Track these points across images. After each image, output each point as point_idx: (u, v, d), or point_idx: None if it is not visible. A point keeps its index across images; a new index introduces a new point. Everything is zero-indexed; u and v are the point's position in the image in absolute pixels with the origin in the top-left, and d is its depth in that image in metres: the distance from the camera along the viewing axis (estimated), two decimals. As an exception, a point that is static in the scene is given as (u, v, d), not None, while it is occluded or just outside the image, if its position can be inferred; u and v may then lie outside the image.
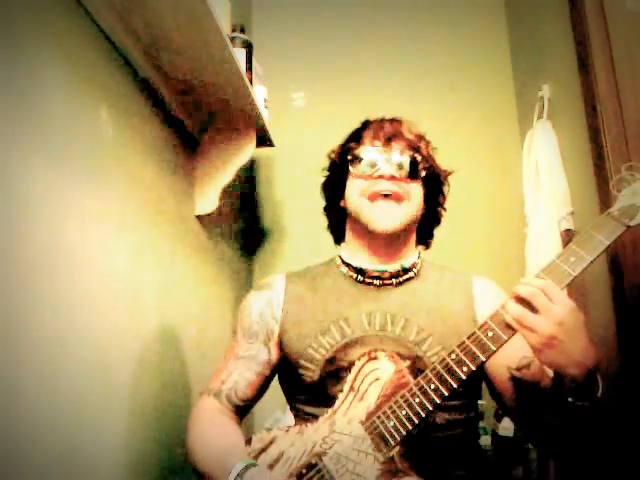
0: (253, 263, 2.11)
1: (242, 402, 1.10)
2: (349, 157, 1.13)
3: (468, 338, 0.92)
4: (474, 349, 0.91)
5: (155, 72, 1.30)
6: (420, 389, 0.93)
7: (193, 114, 1.52)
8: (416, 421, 0.92)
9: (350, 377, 1.00)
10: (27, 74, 0.85)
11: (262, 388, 1.13)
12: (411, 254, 1.15)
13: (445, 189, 1.18)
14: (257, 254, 2.13)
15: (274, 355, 1.11)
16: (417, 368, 1.00)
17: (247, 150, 1.61)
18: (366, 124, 1.16)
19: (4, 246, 0.78)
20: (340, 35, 2.26)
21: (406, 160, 1.09)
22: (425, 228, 1.19)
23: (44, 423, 0.84)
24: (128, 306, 1.13)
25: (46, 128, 0.89)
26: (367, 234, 1.10)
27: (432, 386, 0.92)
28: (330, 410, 0.99)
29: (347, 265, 1.14)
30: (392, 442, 0.92)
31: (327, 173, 1.24)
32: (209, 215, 1.59)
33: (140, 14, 1.11)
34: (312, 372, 1.05)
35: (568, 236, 1.57)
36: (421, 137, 1.14)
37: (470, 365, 0.90)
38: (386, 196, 1.07)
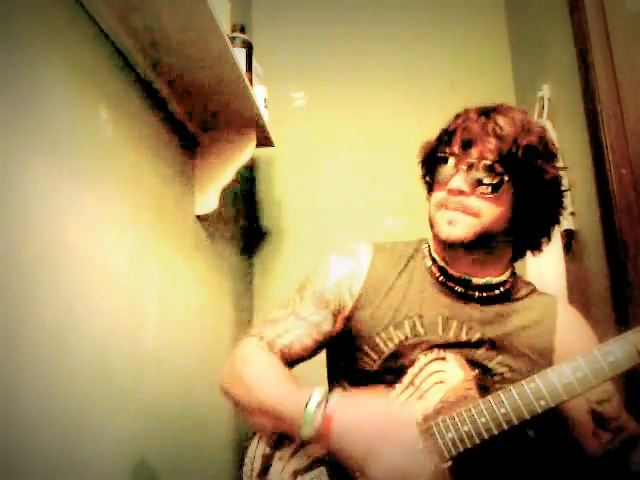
0: (253, 263, 2.11)
1: (292, 361, 1.03)
2: (434, 162, 1.03)
3: (553, 371, 0.87)
4: (557, 385, 0.85)
5: (155, 72, 1.30)
6: (488, 409, 0.87)
7: (193, 114, 1.52)
8: (477, 441, 0.86)
9: (412, 371, 0.95)
10: (27, 74, 0.85)
11: (314, 353, 1.06)
12: (501, 271, 1.04)
13: (554, 192, 1.02)
14: (257, 254, 2.13)
15: (338, 327, 1.04)
16: (480, 384, 0.94)
17: (247, 150, 1.61)
18: (457, 118, 1.04)
19: (4, 246, 0.78)
20: (340, 35, 2.26)
21: (477, 175, 0.97)
22: (526, 237, 1.06)
23: (44, 423, 0.84)
24: (128, 306, 1.13)
25: (46, 128, 0.89)
26: (440, 244, 1.04)
27: (502, 410, 0.86)
28: None
29: (433, 260, 1.06)
30: (447, 455, 0.87)
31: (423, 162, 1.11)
32: (209, 215, 1.58)
33: (140, 14, 1.11)
34: (373, 362, 0.99)
35: (568, 236, 1.57)
36: (517, 135, 0.97)
37: (549, 401, 0.85)
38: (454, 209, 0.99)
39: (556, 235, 1.57)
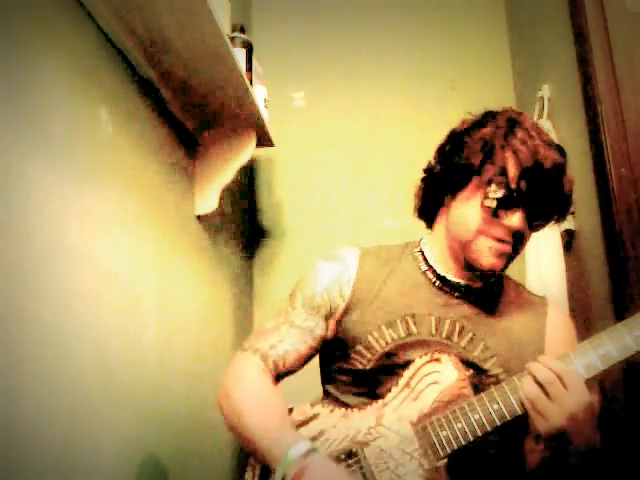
0: (253, 263, 2.11)
1: (286, 371, 1.05)
2: (483, 179, 0.98)
3: None
4: None
5: (155, 72, 1.30)
6: (482, 406, 0.89)
7: (193, 114, 1.52)
8: (471, 438, 0.88)
9: (408, 373, 0.96)
10: (27, 74, 0.85)
11: (308, 360, 1.08)
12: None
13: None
14: (257, 254, 2.13)
15: (331, 331, 1.06)
16: (475, 384, 0.95)
17: (247, 150, 1.61)
18: (512, 130, 0.98)
19: (4, 246, 0.78)
20: (340, 35, 2.26)
21: (542, 219, 1.01)
22: None
23: (44, 423, 0.84)
24: (128, 306, 1.13)
25: (46, 128, 0.89)
26: (465, 262, 1.03)
27: (495, 406, 0.89)
28: (380, 401, 0.96)
29: (428, 265, 1.06)
30: (441, 453, 0.89)
31: (443, 162, 1.07)
32: (209, 215, 1.58)
33: (140, 14, 1.11)
34: (366, 360, 1.00)
35: (568, 236, 1.57)
36: (569, 181, 1.01)
37: None
38: (501, 240, 0.98)
39: (556, 235, 1.57)
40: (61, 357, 0.89)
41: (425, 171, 1.11)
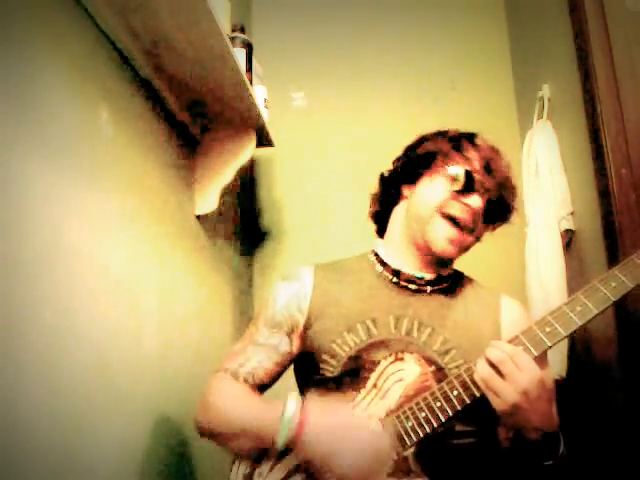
0: (253, 263, 2.11)
1: (257, 387, 1.10)
2: (448, 163, 1.08)
3: None
4: None
5: (155, 72, 1.30)
6: (442, 393, 0.94)
7: (193, 114, 1.52)
8: (434, 424, 0.93)
9: (374, 375, 1.01)
10: (27, 74, 0.85)
11: (278, 376, 1.12)
12: (449, 264, 1.15)
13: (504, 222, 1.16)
14: (257, 254, 2.13)
15: (295, 347, 1.10)
16: (437, 378, 1.00)
17: (247, 150, 1.61)
18: (471, 137, 1.13)
19: (4, 246, 0.78)
20: (340, 35, 2.26)
21: (495, 205, 1.09)
22: None
23: (44, 424, 0.84)
24: (128, 306, 1.13)
25: (46, 128, 0.89)
26: (421, 242, 1.10)
27: (455, 392, 0.94)
28: (350, 404, 0.99)
29: (383, 264, 1.13)
30: (408, 442, 0.94)
31: (404, 156, 1.19)
32: (209, 215, 1.59)
33: (140, 14, 1.11)
34: (333, 368, 1.04)
35: (568, 236, 1.57)
36: (513, 182, 1.13)
37: None
38: (456, 222, 1.06)
39: (556, 235, 1.58)
40: (61, 357, 0.89)
41: (380, 193, 1.22)
